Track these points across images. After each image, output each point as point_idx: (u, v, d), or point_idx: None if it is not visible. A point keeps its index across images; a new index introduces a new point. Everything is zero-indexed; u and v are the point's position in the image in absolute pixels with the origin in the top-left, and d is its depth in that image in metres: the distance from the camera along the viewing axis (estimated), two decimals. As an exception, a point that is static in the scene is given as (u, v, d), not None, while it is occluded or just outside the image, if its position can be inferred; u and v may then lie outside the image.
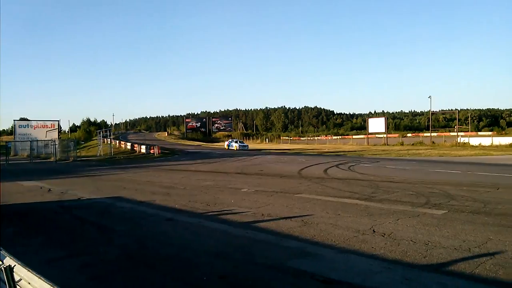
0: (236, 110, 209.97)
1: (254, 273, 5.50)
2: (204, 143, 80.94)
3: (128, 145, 52.29)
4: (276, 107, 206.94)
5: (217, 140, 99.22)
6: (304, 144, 75.32)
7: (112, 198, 13.01)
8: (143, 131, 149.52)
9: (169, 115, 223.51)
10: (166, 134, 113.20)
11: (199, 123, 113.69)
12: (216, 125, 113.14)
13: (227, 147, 57.34)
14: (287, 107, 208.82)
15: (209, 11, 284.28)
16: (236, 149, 52.71)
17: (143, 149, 45.90)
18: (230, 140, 63.42)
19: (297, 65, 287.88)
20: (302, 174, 19.43)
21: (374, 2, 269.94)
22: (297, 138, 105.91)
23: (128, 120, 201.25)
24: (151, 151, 43.50)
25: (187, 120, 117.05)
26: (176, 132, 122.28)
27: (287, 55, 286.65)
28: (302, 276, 5.24)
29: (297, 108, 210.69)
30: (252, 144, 75.73)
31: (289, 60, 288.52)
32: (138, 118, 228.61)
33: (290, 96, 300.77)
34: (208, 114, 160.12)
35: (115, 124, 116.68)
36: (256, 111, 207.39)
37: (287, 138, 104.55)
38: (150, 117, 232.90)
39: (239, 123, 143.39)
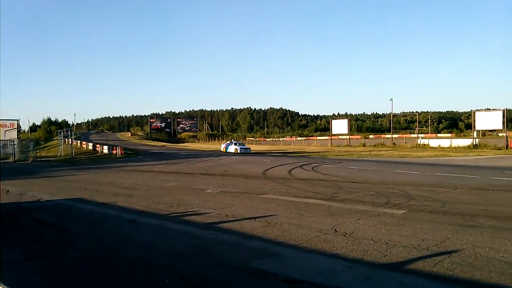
0: (202, 110, 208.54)
1: (216, 274, 5.46)
2: (169, 144, 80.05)
3: (90, 146, 51.22)
4: (242, 108, 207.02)
5: (182, 140, 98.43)
6: (269, 145, 75.69)
7: (73, 200, 12.69)
8: (105, 131, 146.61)
9: (132, 115, 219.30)
10: (130, 134, 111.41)
11: (164, 123, 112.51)
12: (181, 125, 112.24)
13: (224, 150, 48.26)
14: (252, 108, 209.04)
15: (170, 10, 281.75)
16: (236, 152, 44.59)
17: (105, 149, 45.06)
18: (229, 142, 53.98)
19: (263, 66, 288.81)
20: (267, 174, 19.52)
21: (338, 3, 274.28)
22: (262, 139, 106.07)
23: (90, 120, 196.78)
24: (114, 152, 42.74)
25: (151, 120, 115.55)
26: (140, 133, 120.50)
27: (253, 56, 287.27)
28: (265, 277, 5.24)
29: (263, 109, 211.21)
30: (216, 145, 75.33)
31: (254, 61, 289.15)
32: (101, 118, 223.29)
33: (256, 97, 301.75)
34: (173, 114, 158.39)
35: (77, 124, 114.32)
36: (221, 111, 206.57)
37: (253, 139, 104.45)
38: (113, 116, 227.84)
39: (204, 124, 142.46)
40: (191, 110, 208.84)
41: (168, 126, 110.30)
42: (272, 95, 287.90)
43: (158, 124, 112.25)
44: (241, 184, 15.92)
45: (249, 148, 48.07)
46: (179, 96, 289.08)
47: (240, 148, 45.92)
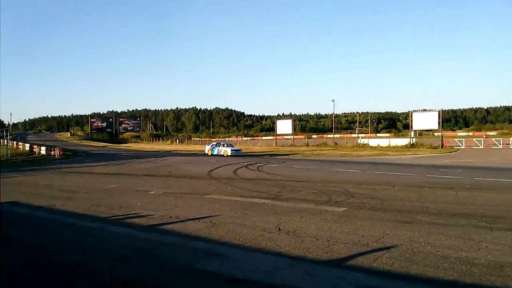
0: (145, 110, 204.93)
1: (159, 277, 5.35)
2: (110, 144, 77.89)
3: (27, 146, 48.84)
4: (187, 107, 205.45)
5: (124, 141, 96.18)
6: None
7: (8, 203, 11.98)
8: (44, 131, 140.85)
9: (72, 115, 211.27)
10: (69, 135, 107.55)
11: (105, 123, 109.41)
12: (123, 125, 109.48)
13: (210, 153, 40.45)
14: (198, 108, 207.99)
15: (111, 7, 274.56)
16: (227, 155, 37.56)
17: (43, 150, 43.08)
18: (215, 143, 43.26)
19: (209, 67, 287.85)
20: (212, 175, 19.42)
21: (280, 6, 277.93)
22: (208, 139, 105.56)
23: (27, 119, 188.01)
24: (52, 153, 40.98)
25: (92, 120, 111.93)
26: (80, 133, 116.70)
27: (198, 56, 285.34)
28: (208, 277, 5.21)
29: (209, 109, 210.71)
30: (160, 145, 74.23)
31: (200, 61, 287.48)
32: (38, 118, 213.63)
33: (202, 97, 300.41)
34: (115, 114, 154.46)
35: (13, 124, 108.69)
36: (166, 111, 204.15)
37: (198, 139, 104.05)
38: (51, 116, 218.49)
39: (148, 124, 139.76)
40: (134, 109, 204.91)
41: (110, 126, 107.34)
42: (218, 95, 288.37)
43: (99, 124, 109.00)
44: (186, 185, 15.76)
45: (240, 150, 40.42)
46: (122, 95, 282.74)
47: (231, 150, 38.59)
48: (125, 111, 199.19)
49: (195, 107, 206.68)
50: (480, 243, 6.57)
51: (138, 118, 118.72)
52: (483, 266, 5.42)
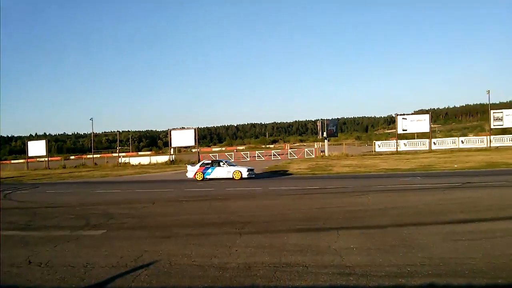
0: None
1: None
2: None
3: None
4: None
5: None
6: None
7: None
8: None
9: None
10: None
11: None
12: None
13: (200, 177, 24.87)
14: None
15: None
16: (240, 178, 23.95)
17: None
18: (210, 162, 26.61)
19: None
20: None
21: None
22: None
23: None
24: None
25: None
26: None
27: None
28: None
29: None
30: None
31: None
32: None
33: None
34: None
35: None
36: None
37: None
38: None
39: None
40: None
41: None
42: None
43: None
44: None
45: (254, 170, 26.02)
46: None
47: (248, 171, 24.68)
48: None
49: None
50: (231, 248, 7.29)
51: None
52: (233, 270, 6.03)
